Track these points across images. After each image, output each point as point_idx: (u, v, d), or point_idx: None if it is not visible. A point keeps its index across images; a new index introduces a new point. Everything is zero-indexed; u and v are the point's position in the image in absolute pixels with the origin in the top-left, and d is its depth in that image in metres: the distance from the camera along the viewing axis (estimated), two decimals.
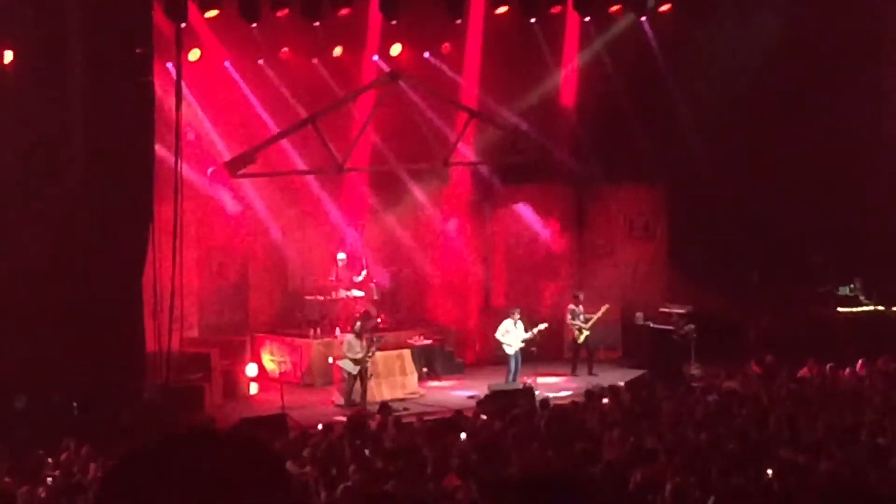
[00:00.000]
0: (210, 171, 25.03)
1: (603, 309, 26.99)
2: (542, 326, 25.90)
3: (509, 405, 20.63)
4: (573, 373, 27.08)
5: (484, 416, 19.62)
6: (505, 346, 25.79)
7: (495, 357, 26.60)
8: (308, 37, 26.10)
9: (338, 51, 27.13)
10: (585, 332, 27.07)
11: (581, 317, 27.15)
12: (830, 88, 27.89)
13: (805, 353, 23.74)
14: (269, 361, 26.73)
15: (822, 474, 13.99)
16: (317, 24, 25.35)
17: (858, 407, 18.39)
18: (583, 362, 27.30)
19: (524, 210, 29.52)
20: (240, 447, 4.21)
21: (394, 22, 25.74)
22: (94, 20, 21.33)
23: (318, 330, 26.50)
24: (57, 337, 21.55)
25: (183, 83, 22.91)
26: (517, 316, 25.95)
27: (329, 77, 27.17)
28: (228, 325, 27.14)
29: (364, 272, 27.02)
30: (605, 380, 24.33)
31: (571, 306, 27.40)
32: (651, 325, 27.51)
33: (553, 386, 25.37)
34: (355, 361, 24.13)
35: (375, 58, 27.52)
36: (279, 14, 24.97)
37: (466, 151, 28.01)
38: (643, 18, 27.82)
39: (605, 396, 21.09)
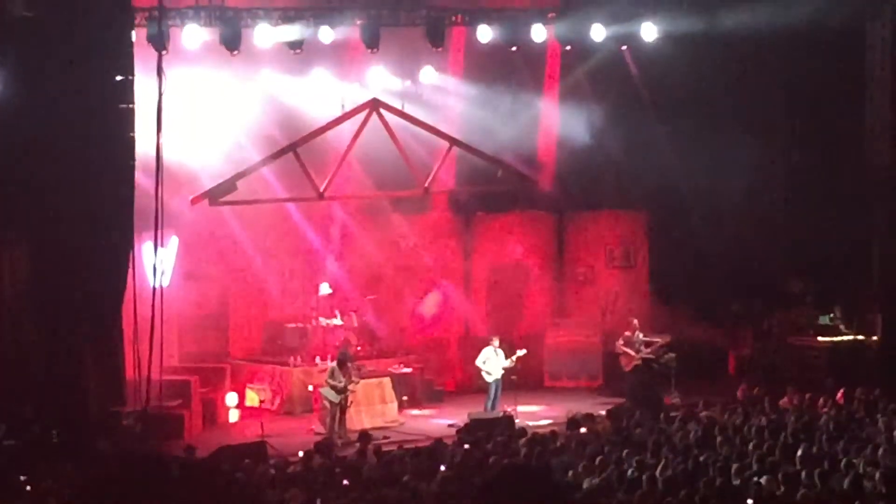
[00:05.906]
0: (191, 198, 24.96)
1: (661, 340, 26.55)
2: (521, 353, 25.76)
3: (489, 433, 20.60)
4: None
5: (466, 446, 19.54)
6: (485, 374, 25.69)
7: (475, 385, 26.54)
8: (289, 64, 26.07)
9: (319, 78, 27.09)
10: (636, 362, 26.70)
11: (638, 344, 26.63)
12: (813, 116, 28.00)
13: (785, 382, 23.80)
14: (252, 393, 26.51)
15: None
16: (298, 51, 25.31)
17: (837, 437, 18.40)
18: None
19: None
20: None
21: (375, 50, 25.72)
22: (74, 47, 21.29)
23: (298, 358, 26.44)
24: (36, 364, 21.43)
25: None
26: (497, 343, 25.84)
27: (310, 105, 27.14)
28: (208, 352, 27.05)
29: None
30: (584, 408, 24.29)
31: (628, 333, 26.74)
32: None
33: (533, 415, 25.32)
34: (336, 390, 24.05)
35: (357, 85, 27.49)
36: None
37: (447, 179, 28.00)
38: (624, 47, 27.88)
39: (585, 425, 21.08)
